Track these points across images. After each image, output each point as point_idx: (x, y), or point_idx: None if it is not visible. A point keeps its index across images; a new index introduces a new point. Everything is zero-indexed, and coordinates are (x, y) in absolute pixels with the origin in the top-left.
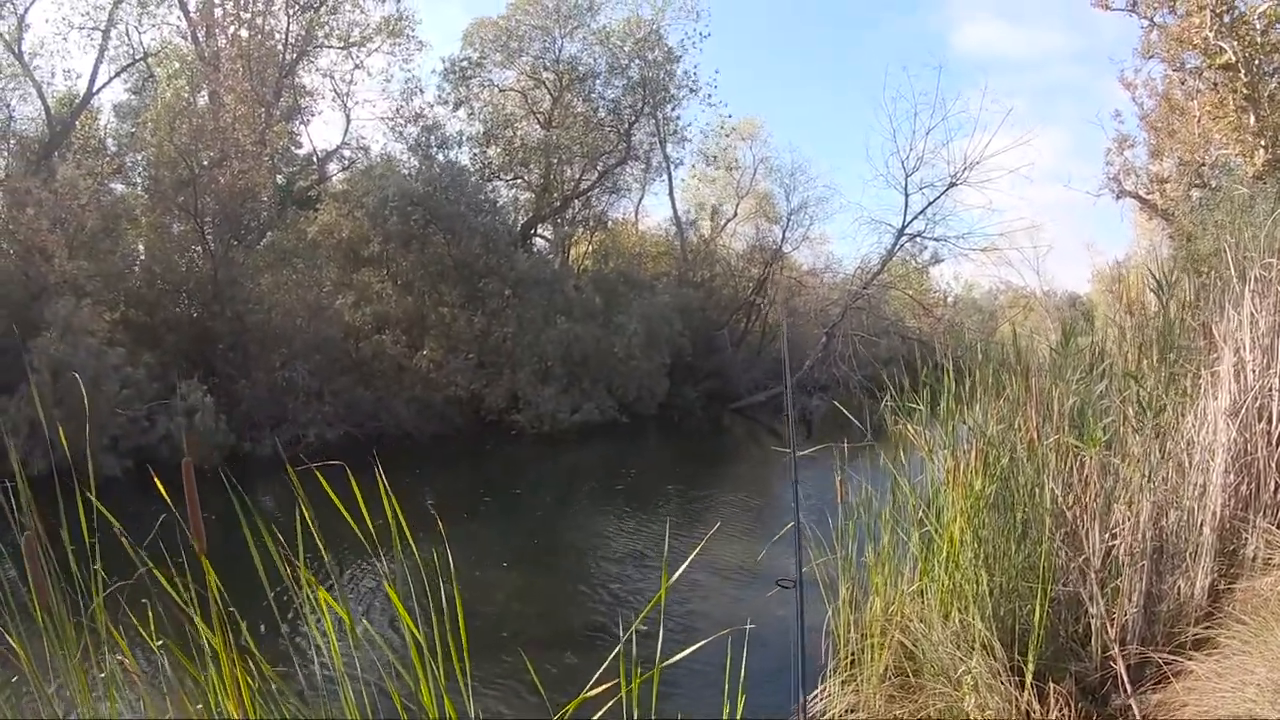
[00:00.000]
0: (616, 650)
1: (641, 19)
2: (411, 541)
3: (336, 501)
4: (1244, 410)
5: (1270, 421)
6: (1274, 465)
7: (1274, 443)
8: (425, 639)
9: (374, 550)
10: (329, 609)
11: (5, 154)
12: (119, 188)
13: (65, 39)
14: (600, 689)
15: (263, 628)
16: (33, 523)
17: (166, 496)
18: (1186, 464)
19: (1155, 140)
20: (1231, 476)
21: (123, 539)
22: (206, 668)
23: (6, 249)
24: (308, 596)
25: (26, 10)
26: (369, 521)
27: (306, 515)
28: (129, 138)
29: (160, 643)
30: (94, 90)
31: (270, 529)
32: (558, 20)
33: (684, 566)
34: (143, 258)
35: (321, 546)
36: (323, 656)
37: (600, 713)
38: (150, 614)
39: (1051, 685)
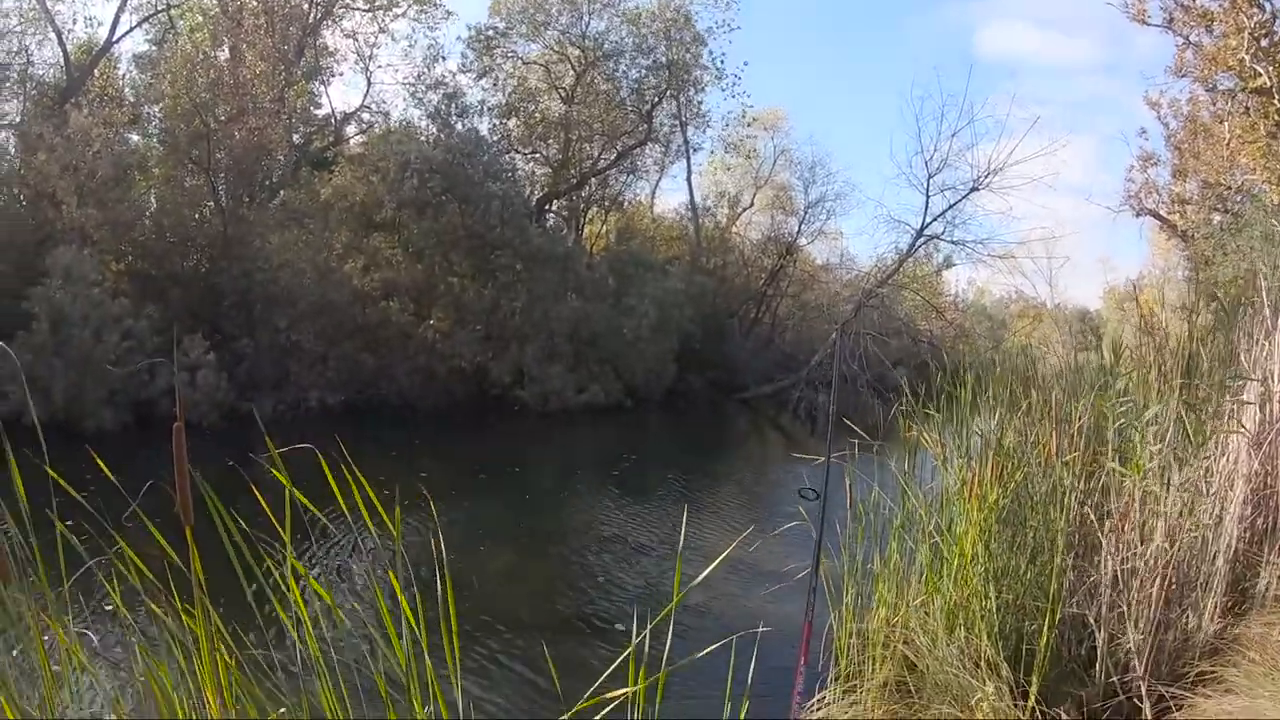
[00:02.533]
0: (627, 652)
1: (670, 1)
2: (385, 518)
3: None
4: (1268, 443)
5: None
6: None
7: None
8: (412, 616)
9: (361, 524)
10: (306, 584)
11: (22, 99)
12: (134, 138)
13: None
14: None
15: (223, 604)
16: None
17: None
18: (1203, 492)
19: (1179, 160)
20: (1249, 509)
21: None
22: (176, 649)
23: (17, 194)
24: (288, 571)
25: None
26: (360, 493)
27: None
28: (147, 88)
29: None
30: (114, 39)
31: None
32: None
33: (704, 575)
34: (153, 209)
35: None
36: (295, 643)
37: (604, 712)
38: (113, 587)
39: (1050, 709)
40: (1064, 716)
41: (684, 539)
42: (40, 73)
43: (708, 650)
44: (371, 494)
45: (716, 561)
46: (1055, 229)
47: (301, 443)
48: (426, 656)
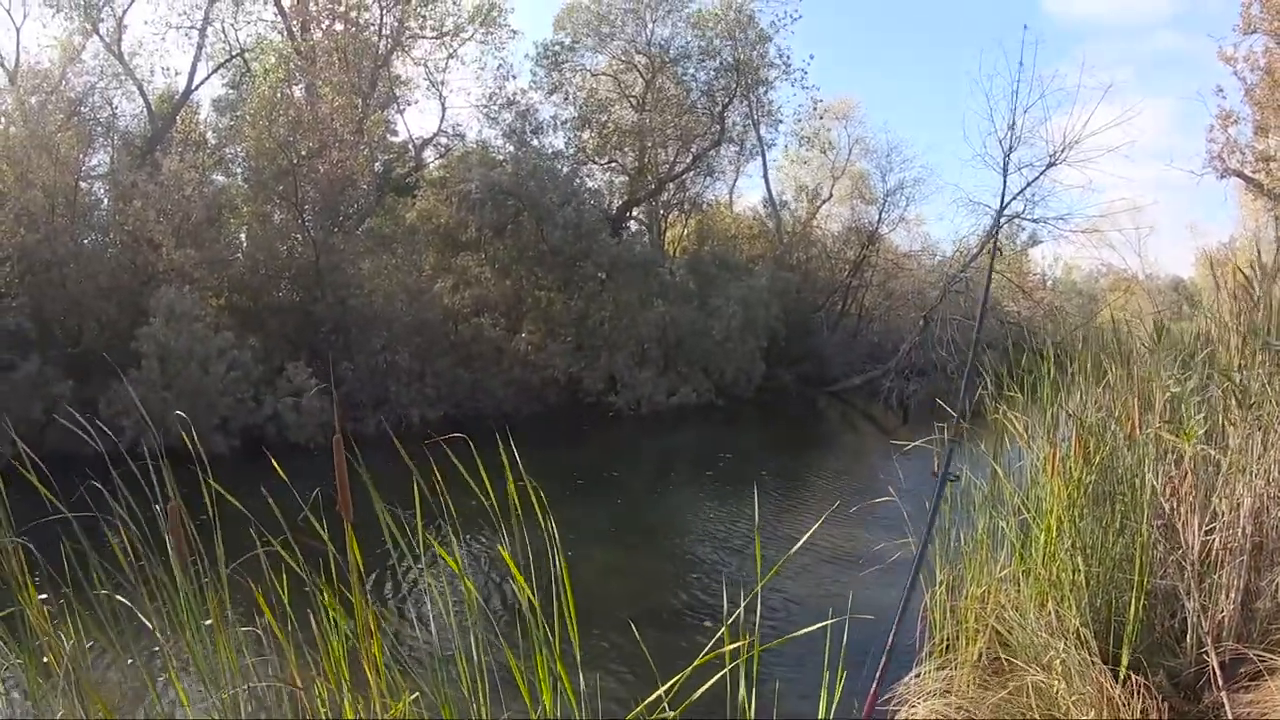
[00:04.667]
0: (721, 631)
1: (732, 1)
2: (506, 516)
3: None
4: None
5: None
6: None
7: None
8: (530, 609)
9: (472, 525)
10: (445, 577)
11: (110, 149)
12: (220, 179)
13: (163, 38)
14: (707, 656)
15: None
16: (173, 495)
17: (280, 473)
18: None
19: (1260, 116)
20: None
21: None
22: (333, 635)
23: (114, 239)
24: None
25: (125, 12)
26: (487, 495)
27: (422, 486)
28: (228, 131)
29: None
30: (193, 86)
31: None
32: (649, 4)
33: (790, 552)
34: (245, 245)
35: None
36: (431, 623)
37: (704, 687)
38: (270, 585)
39: (1142, 679)
40: (1150, 683)
41: (768, 524)
42: (125, 124)
43: (803, 631)
44: (484, 488)
45: (803, 539)
46: (1137, 197)
47: (405, 457)
48: (548, 644)
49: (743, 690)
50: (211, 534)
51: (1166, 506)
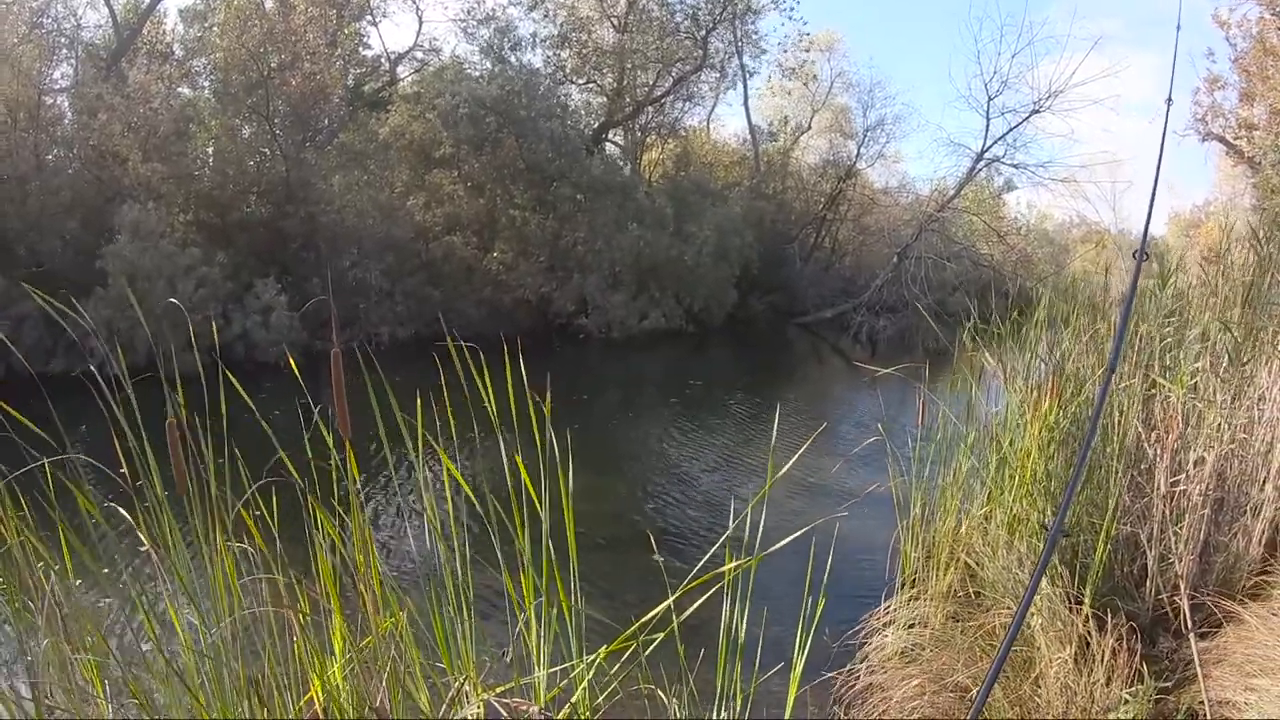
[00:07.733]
0: (724, 537)
1: None
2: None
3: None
4: None
5: None
6: None
7: None
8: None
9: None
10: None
11: (74, 61)
12: (185, 92)
13: None
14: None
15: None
16: (178, 412)
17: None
18: (1256, 418)
19: (1247, 84)
20: None
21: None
22: (328, 555)
23: (78, 154)
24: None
25: None
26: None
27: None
28: (196, 42)
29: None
30: None
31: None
32: None
33: (789, 465)
34: (212, 160)
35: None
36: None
37: (698, 602)
38: (263, 505)
39: (1109, 617)
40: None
41: (737, 452)
42: (88, 35)
43: (789, 539)
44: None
45: (805, 446)
46: (1118, 151)
47: (375, 375)
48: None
49: (731, 610)
50: (200, 454)
51: (1151, 452)
